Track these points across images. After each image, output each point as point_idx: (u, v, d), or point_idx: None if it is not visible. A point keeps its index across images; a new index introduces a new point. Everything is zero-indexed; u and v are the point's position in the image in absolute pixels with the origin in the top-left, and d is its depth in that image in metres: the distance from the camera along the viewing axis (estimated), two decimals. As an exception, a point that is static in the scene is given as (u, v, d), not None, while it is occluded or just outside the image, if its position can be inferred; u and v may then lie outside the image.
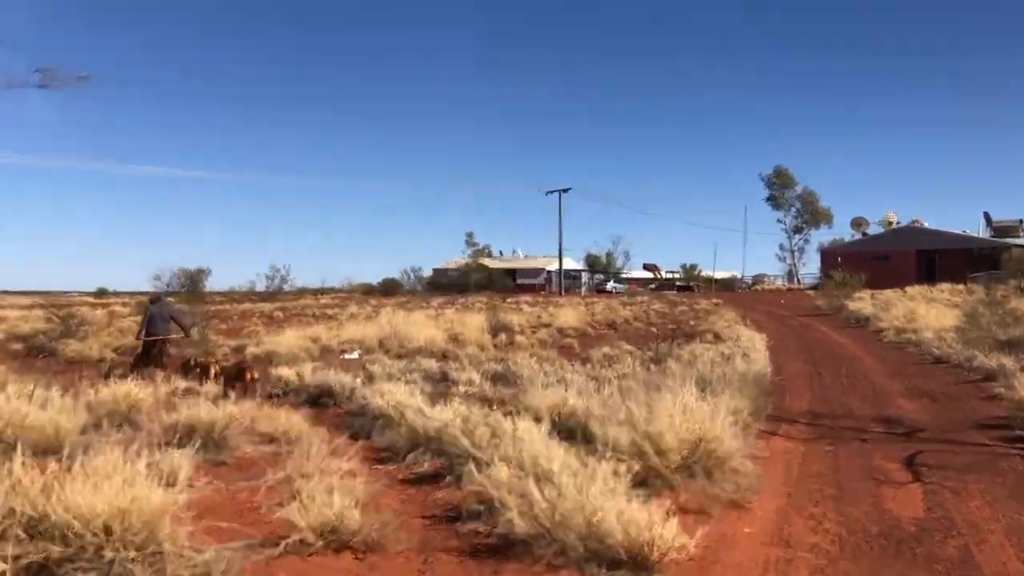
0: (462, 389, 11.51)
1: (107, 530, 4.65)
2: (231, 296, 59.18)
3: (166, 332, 15.59)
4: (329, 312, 36.12)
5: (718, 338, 20.82)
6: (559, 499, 5.34)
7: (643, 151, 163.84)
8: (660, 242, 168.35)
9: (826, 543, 5.60)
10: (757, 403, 9.65)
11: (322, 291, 64.98)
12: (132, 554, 4.65)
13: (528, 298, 52.89)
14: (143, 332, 15.74)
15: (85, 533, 4.63)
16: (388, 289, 70.37)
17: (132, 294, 55.37)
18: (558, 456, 6.22)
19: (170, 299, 16.91)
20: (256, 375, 12.91)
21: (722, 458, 6.81)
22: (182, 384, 11.90)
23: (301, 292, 62.33)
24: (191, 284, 53.80)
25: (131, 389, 9.40)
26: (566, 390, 9.77)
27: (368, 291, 68.82)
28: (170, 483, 6.46)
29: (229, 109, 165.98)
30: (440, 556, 5.39)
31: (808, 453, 8.49)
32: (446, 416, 7.98)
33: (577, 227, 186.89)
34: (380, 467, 7.77)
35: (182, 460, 6.58)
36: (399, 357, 16.84)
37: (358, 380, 11.61)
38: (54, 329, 21.00)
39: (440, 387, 12.50)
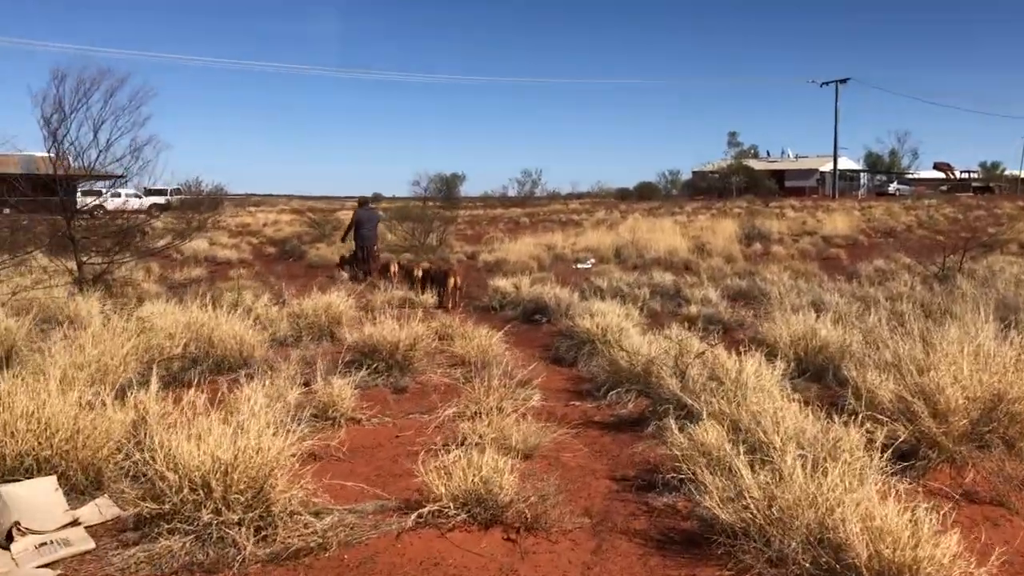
0: (693, 309, 9.91)
1: (206, 486, 3.83)
2: (485, 201, 60.59)
3: (374, 236, 15.48)
4: (576, 218, 35.33)
5: (1027, 250, 17.12)
6: (780, 484, 3.78)
7: (933, 34, 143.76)
8: (954, 138, 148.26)
9: None
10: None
11: (574, 196, 64.48)
12: (235, 516, 3.81)
13: (795, 202, 48.58)
14: (348, 234, 15.76)
15: (182, 486, 3.85)
16: (644, 193, 68.28)
17: (398, 199, 58.32)
18: (790, 414, 4.58)
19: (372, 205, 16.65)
20: (460, 281, 12.21)
21: (1034, 427, 4.81)
22: (397, 293, 11.41)
23: (553, 197, 62.22)
24: (447, 189, 55.38)
25: (332, 300, 8.88)
26: (817, 316, 7.85)
27: (623, 196, 67.28)
28: (328, 415, 5.76)
29: (481, 10, 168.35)
30: (618, 543, 4.07)
31: None
32: (658, 347, 6.54)
33: (856, 123, 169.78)
34: (577, 403, 6.56)
35: (344, 389, 5.84)
36: (634, 268, 15.44)
37: (575, 295, 10.40)
38: (309, 233, 22.02)
39: (669, 305, 10.98)
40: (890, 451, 4.25)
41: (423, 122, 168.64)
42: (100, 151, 11.69)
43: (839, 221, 25.07)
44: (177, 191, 52.40)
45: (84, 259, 11.64)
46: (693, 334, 7.37)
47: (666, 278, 12.60)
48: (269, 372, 6.69)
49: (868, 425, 4.60)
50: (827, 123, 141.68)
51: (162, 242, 14.27)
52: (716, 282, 12.30)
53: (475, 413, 5.71)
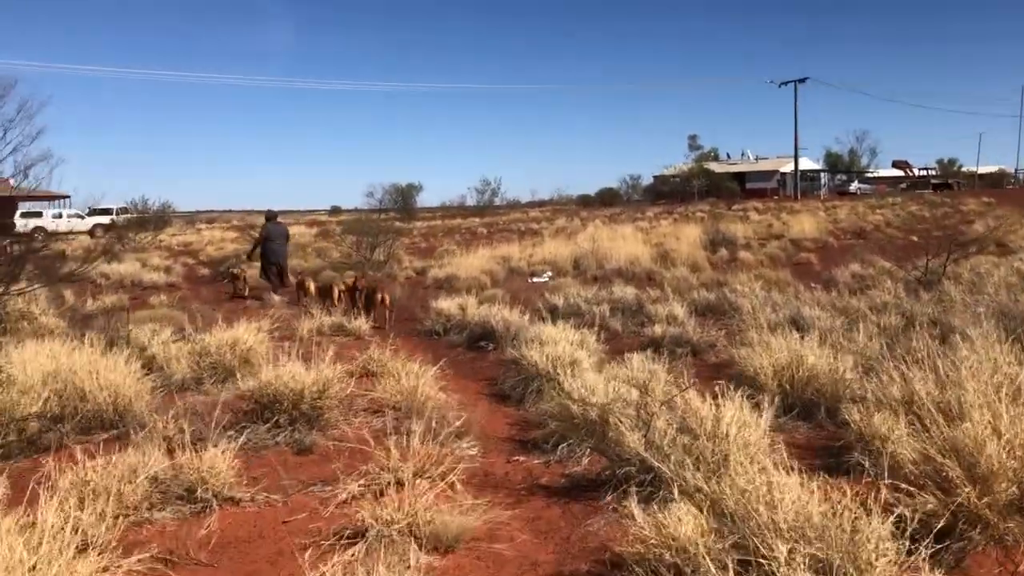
0: (658, 329, 8.79)
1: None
2: (443, 211, 59.30)
3: (284, 251, 14.87)
4: (535, 227, 34.19)
5: (1004, 249, 16.33)
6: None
7: (888, 33, 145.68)
8: (911, 136, 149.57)
9: None
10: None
11: (535, 204, 63.41)
12: None
13: (758, 204, 47.94)
14: (255, 251, 15.13)
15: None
16: (606, 200, 67.33)
17: (356, 211, 56.73)
18: (789, 494, 3.44)
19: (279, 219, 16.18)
20: (388, 298, 11.22)
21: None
22: (327, 320, 10.16)
23: (513, 206, 61.05)
24: (402, 200, 53.83)
25: (239, 334, 7.62)
26: (801, 336, 6.77)
27: (585, 202, 66.32)
28: (197, 496, 4.51)
29: (442, 19, 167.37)
30: None
31: None
32: (616, 387, 5.38)
33: (814, 123, 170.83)
34: (521, 458, 5.39)
35: (218, 459, 4.59)
36: (594, 280, 14.33)
37: (527, 317, 9.24)
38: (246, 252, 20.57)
39: (631, 324, 9.86)
40: (927, 538, 3.16)
41: (380, 132, 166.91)
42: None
43: (806, 223, 24.24)
44: (124, 210, 50.60)
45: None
46: (658, 363, 6.25)
47: (627, 292, 11.50)
48: (141, 432, 5.45)
49: (887, 494, 3.52)
50: (786, 124, 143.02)
51: (69, 268, 12.84)
52: (682, 295, 11.22)
53: (388, 484, 4.52)
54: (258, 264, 15.17)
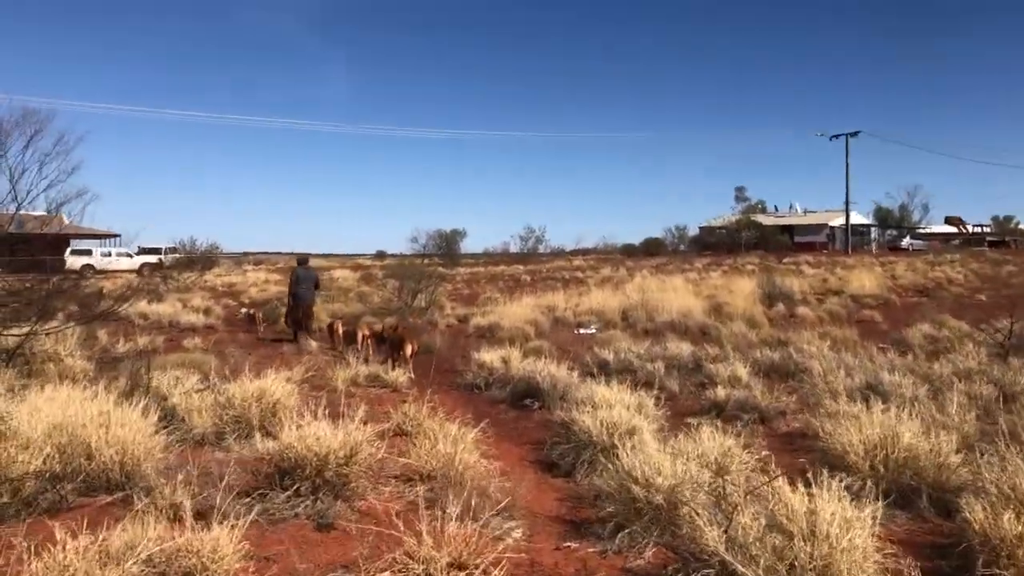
0: (720, 392, 8.02)
1: None
2: (486, 257, 58.96)
3: (310, 295, 14.94)
4: (580, 275, 33.53)
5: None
6: None
7: (941, 86, 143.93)
8: (964, 191, 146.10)
9: None
10: None
11: (579, 252, 62.76)
12: None
13: (809, 258, 46.81)
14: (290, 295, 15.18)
15: None
16: (650, 249, 66.47)
17: (401, 256, 56.75)
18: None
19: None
20: (416, 346, 10.95)
21: None
22: (363, 370, 9.57)
23: (557, 253, 60.46)
24: (446, 245, 53.60)
25: (266, 385, 7.04)
26: (890, 408, 5.96)
27: (629, 252, 65.52)
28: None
29: (484, 64, 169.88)
30: None
31: None
32: (684, 469, 4.65)
33: (864, 178, 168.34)
34: (573, 545, 4.65)
35: (222, 540, 3.95)
36: (645, 334, 13.57)
37: (575, 373, 8.53)
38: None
39: (689, 384, 9.10)
40: None
41: (425, 177, 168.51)
42: (19, 203, 9.98)
43: (864, 278, 23.21)
44: (172, 249, 51.22)
45: (-1, 330, 9.84)
46: (731, 436, 5.50)
47: (683, 348, 10.73)
48: (145, 499, 4.86)
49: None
50: (835, 177, 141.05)
51: (102, 308, 12.48)
52: (742, 354, 10.42)
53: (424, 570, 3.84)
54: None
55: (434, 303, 18.57)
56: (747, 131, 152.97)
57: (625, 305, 16.55)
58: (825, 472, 4.60)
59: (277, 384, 7.13)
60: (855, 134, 65.54)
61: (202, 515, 4.57)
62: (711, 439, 5.35)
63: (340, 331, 12.62)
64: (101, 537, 3.78)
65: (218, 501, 4.68)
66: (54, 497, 5.11)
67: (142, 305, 19.13)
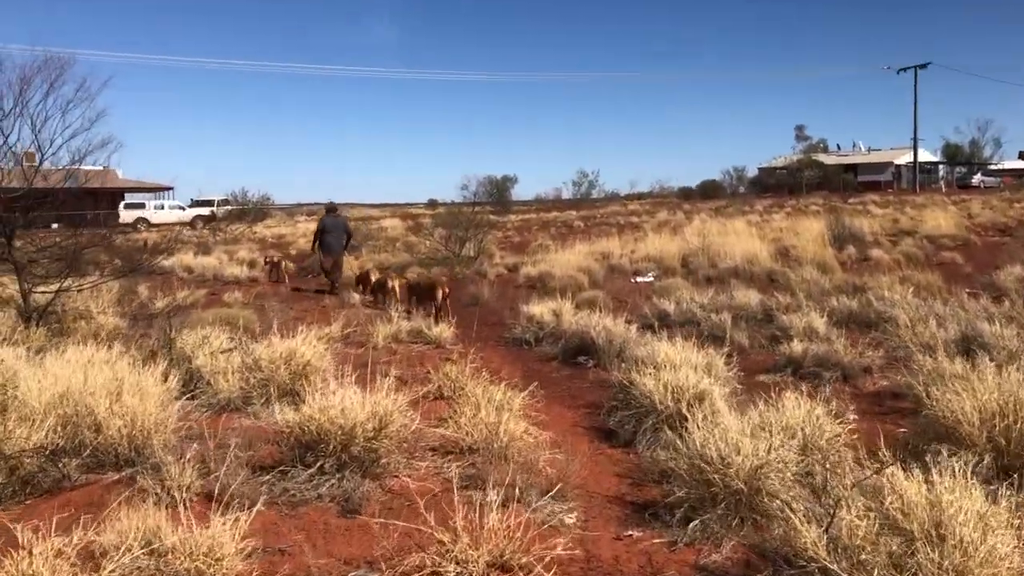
0: (796, 346, 7.21)
1: None
2: (538, 204, 57.90)
3: (339, 245, 14.51)
4: (636, 220, 32.44)
5: None
6: None
7: (1013, 10, 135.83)
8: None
9: None
10: None
11: (633, 196, 61.17)
12: None
13: (875, 197, 44.79)
14: (316, 244, 14.78)
15: None
16: (708, 192, 64.54)
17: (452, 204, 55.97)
18: None
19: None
20: (446, 291, 10.74)
21: None
22: (405, 325, 8.97)
23: (611, 198, 59.04)
24: (497, 193, 52.64)
25: (295, 345, 6.46)
26: (1000, 365, 5.09)
27: (686, 195, 63.73)
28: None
29: (541, 8, 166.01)
30: None
31: None
32: (767, 444, 3.91)
33: (931, 113, 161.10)
34: (636, 533, 3.98)
35: (223, 537, 3.37)
36: (707, 282, 12.69)
37: (633, 327, 7.79)
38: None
39: (760, 337, 8.29)
40: None
41: (477, 123, 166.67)
42: (43, 154, 9.51)
43: (939, 217, 21.76)
44: (225, 202, 51.37)
45: (29, 287, 9.47)
46: (817, 402, 4.72)
47: (750, 297, 9.87)
48: (153, 477, 4.33)
49: None
50: (898, 113, 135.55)
51: (135, 262, 12.08)
52: (816, 302, 9.53)
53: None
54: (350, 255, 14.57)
55: (483, 252, 17.90)
56: (806, 67, 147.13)
57: (684, 251, 15.63)
58: (944, 452, 3.83)
59: (307, 345, 6.54)
60: (924, 66, 62.18)
61: (212, 497, 4.04)
62: (795, 406, 4.59)
63: (372, 281, 12.38)
64: (76, 538, 3.22)
65: (227, 481, 4.14)
66: (56, 475, 4.63)
67: (187, 258, 18.87)
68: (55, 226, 14.99)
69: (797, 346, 7.19)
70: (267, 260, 17.24)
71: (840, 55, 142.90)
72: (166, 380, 5.63)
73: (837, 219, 19.51)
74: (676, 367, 5.62)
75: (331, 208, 15.41)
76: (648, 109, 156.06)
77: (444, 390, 6.36)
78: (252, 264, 17.79)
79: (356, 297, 12.26)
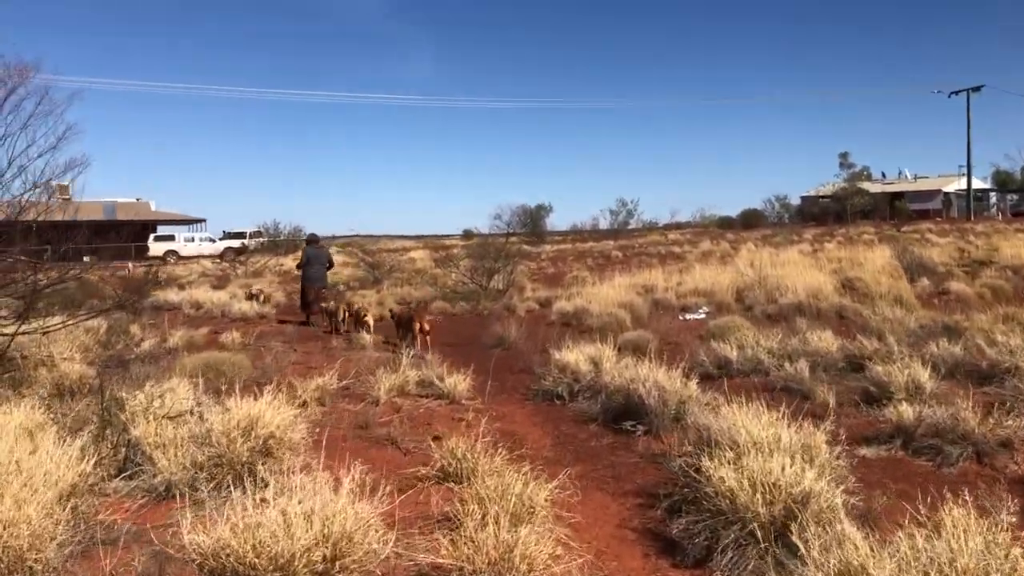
0: (906, 411, 5.58)
1: None
2: (574, 234, 56.25)
3: (321, 276, 14.22)
4: (677, 250, 30.77)
5: None
6: None
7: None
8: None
9: None
10: None
11: (673, 226, 59.21)
12: None
13: (930, 225, 42.58)
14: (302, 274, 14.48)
15: None
16: (749, 221, 62.37)
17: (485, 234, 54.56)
18: None
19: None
20: (427, 325, 10.29)
21: None
22: (411, 375, 7.51)
23: (650, 227, 57.15)
24: (531, 222, 51.05)
25: (260, 410, 5.02)
26: None
27: (727, 224, 61.69)
28: None
29: (579, 35, 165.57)
30: None
31: None
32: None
33: (977, 139, 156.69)
34: None
35: None
36: (768, 319, 11.06)
37: (692, 387, 6.23)
38: (360, 278, 18.56)
39: (846, 389, 6.67)
40: None
41: (512, 152, 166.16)
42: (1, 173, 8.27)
43: (1017, 246, 19.82)
44: (257, 233, 50.64)
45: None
46: (987, 521, 3.13)
47: (827, 340, 8.23)
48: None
49: None
50: (943, 139, 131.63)
51: (122, 298, 10.82)
52: (908, 347, 7.88)
53: None
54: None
55: (512, 284, 16.42)
56: (845, 94, 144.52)
57: (737, 283, 14.01)
58: None
59: (274, 410, 5.09)
60: (978, 89, 59.73)
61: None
62: (959, 525, 3.01)
63: (342, 314, 12.17)
64: None
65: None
66: None
67: (199, 292, 17.69)
68: (86, 259, 13.94)
69: (906, 409, 5.57)
70: (249, 294, 16.68)
71: (879, 79, 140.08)
72: (83, 459, 4.28)
73: (904, 249, 17.70)
74: (763, 449, 4.06)
75: (312, 239, 15.20)
76: (689, 137, 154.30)
77: (448, 468, 4.87)
78: (266, 299, 16.51)
79: (367, 338, 10.83)
